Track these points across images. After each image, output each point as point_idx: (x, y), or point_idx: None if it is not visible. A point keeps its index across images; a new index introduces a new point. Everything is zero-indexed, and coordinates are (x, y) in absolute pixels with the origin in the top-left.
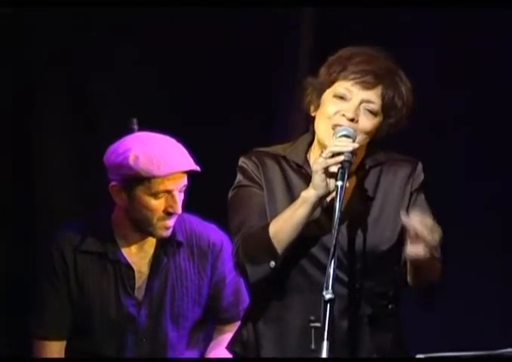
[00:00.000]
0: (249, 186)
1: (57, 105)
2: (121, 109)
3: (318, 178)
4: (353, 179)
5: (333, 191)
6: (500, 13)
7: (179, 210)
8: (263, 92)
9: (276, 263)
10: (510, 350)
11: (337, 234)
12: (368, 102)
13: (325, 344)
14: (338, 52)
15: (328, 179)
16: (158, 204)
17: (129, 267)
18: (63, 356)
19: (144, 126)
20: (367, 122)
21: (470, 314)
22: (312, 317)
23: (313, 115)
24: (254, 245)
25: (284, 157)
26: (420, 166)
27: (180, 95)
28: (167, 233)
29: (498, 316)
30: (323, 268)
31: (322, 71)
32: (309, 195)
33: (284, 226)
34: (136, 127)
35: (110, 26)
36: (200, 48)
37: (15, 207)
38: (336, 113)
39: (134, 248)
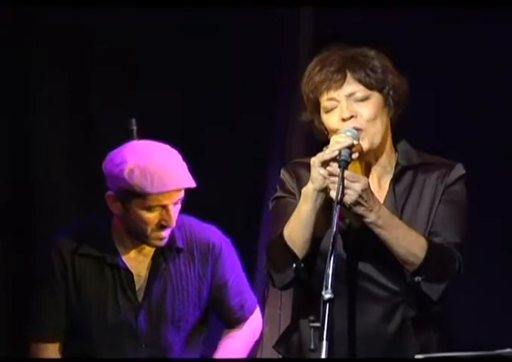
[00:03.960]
0: (285, 197)
1: (57, 105)
2: (122, 109)
3: (315, 171)
4: (389, 177)
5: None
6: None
7: (173, 223)
8: (262, 93)
9: (297, 265)
10: (508, 350)
11: (336, 232)
12: (352, 94)
13: (324, 344)
14: (303, 76)
15: (325, 173)
16: (152, 217)
17: (128, 271)
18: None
19: (143, 126)
20: (365, 110)
21: (469, 313)
22: (311, 317)
23: (330, 138)
24: (274, 252)
25: None
26: (459, 165)
27: (179, 95)
28: (161, 243)
29: (496, 316)
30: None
31: (304, 100)
32: (308, 190)
33: (294, 226)
34: (135, 127)
35: (109, 26)
36: (198, 50)
37: (14, 208)
38: (338, 123)
39: (132, 252)
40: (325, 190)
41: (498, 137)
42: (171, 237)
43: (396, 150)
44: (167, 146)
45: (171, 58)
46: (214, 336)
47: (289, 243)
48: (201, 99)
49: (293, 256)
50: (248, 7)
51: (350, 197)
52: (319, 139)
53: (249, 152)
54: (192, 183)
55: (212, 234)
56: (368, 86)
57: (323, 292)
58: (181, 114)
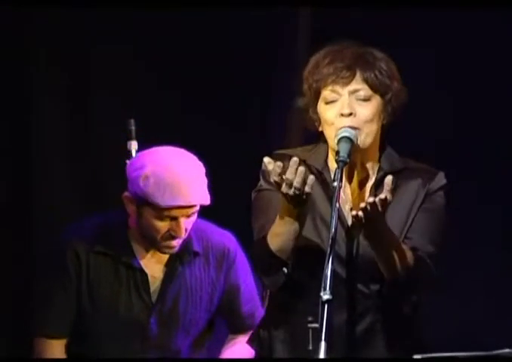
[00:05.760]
0: (269, 190)
1: (57, 105)
2: (122, 109)
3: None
4: (370, 182)
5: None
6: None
7: (183, 234)
8: (259, 92)
9: (287, 268)
10: (507, 350)
11: (335, 234)
12: (356, 91)
13: (322, 344)
14: (308, 63)
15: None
16: (162, 226)
17: (142, 271)
18: (64, 356)
19: (142, 127)
20: (365, 110)
21: (467, 314)
22: (309, 318)
23: (321, 130)
24: (260, 257)
25: (304, 162)
26: (441, 174)
27: (179, 95)
28: (171, 251)
29: (495, 316)
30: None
31: (304, 87)
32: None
33: (279, 234)
34: (133, 127)
35: (107, 26)
36: (197, 49)
37: (16, 204)
38: (335, 117)
39: (148, 253)
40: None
41: (498, 137)
42: (188, 240)
43: (380, 155)
44: (193, 157)
45: (170, 58)
46: (216, 342)
47: (275, 250)
48: (198, 99)
49: (280, 261)
50: (246, 6)
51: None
52: (310, 129)
53: (248, 152)
54: (205, 201)
55: (228, 240)
56: (373, 87)
57: (321, 293)
58: (180, 114)
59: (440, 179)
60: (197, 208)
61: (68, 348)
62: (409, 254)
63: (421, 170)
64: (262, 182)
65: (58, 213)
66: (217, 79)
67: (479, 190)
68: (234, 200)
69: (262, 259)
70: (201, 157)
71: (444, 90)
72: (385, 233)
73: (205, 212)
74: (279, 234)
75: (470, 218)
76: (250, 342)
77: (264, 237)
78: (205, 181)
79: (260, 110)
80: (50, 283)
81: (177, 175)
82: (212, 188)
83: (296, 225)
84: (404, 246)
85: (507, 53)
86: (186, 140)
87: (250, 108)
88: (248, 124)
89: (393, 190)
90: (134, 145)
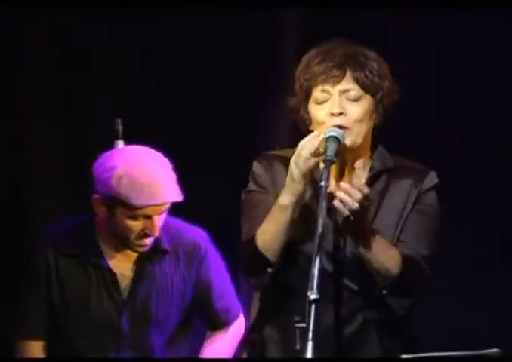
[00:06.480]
0: (257, 192)
1: (46, 104)
2: (110, 109)
3: (295, 185)
4: (362, 181)
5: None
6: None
7: (157, 232)
8: (250, 93)
9: (273, 269)
10: (494, 350)
11: (322, 232)
12: (346, 91)
13: (309, 344)
14: (300, 63)
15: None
16: (136, 226)
17: (111, 271)
18: (42, 356)
19: (130, 127)
20: (355, 110)
21: (456, 313)
22: (296, 318)
23: (311, 129)
24: (247, 256)
25: None
26: (433, 173)
27: (167, 96)
28: (143, 249)
29: (483, 316)
30: (325, 273)
31: (296, 87)
32: (287, 202)
33: (269, 235)
34: (120, 127)
35: (95, 25)
36: (192, 50)
37: (2, 208)
38: (325, 116)
39: (116, 253)
40: (302, 196)
41: (497, 137)
42: (157, 238)
43: (371, 155)
44: (159, 155)
45: (162, 58)
46: (202, 338)
47: (263, 250)
48: (186, 100)
49: (267, 261)
50: (241, 6)
51: (353, 205)
52: (301, 128)
53: (238, 151)
54: (179, 197)
55: (198, 235)
56: (364, 87)
57: (309, 293)
58: (167, 115)
59: (432, 179)
60: (168, 205)
61: (47, 349)
62: (399, 258)
63: (412, 169)
64: (251, 183)
65: (47, 213)
66: (206, 81)
67: (475, 189)
68: (221, 201)
69: (248, 258)
70: (188, 157)
71: (441, 91)
72: (371, 234)
73: (191, 213)
74: (267, 230)
75: (463, 217)
76: (243, 345)
77: (253, 237)
78: (175, 178)
79: (249, 111)
80: (23, 285)
81: (150, 174)
82: (197, 188)
83: (286, 221)
84: (394, 250)
85: (507, 53)
86: (174, 140)
87: (238, 109)
88: (237, 125)
89: (385, 189)
90: (121, 145)
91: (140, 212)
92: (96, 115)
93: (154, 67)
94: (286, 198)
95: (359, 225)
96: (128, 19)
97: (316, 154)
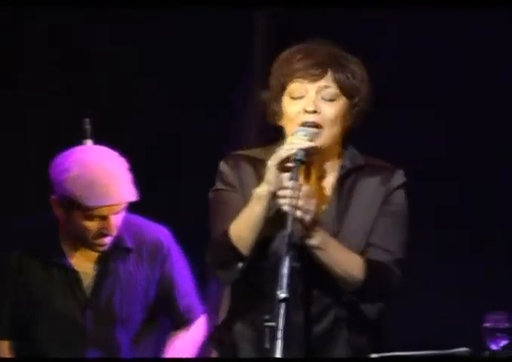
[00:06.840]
0: (225, 190)
1: (46, 104)
2: (77, 109)
3: (270, 174)
4: (332, 179)
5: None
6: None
7: (114, 231)
8: (222, 93)
9: (243, 264)
10: (462, 349)
11: (292, 232)
12: (323, 90)
13: (279, 343)
14: (280, 56)
15: (281, 175)
16: (92, 226)
17: (73, 270)
18: (10, 355)
19: (98, 126)
20: (329, 109)
21: (424, 312)
22: (266, 316)
23: (280, 124)
24: (218, 251)
25: (262, 161)
26: (400, 172)
27: (136, 95)
28: (102, 249)
29: (452, 315)
30: (295, 272)
31: (271, 80)
32: (262, 191)
33: (243, 226)
34: (88, 126)
35: (95, 25)
36: (168, 49)
37: None
38: (298, 112)
39: (78, 252)
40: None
41: (497, 137)
42: (119, 237)
43: (342, 154)
44: (115, 154)
45: (162, 58)
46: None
47: (236, 243)
48: (159, 99)
49: (239, 255)
50: (215, 7)
51: (307, 214)
52: (270, 122)
53: (209, 151)
54: (133, 197)
55: (161, 233)
56: (342, 88)
57: (278, 292)
58: (137, 113)
59: (399, 177)
60: (125, 205)
61: (14, 349)
62: (362, 264)
63: (380, 167)
64: (218, 182)
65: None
66: (179, 79)
67: (456, 189)
68: (187, 200)
69: (220, 252)
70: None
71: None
72: (332, 242)
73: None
74: (241, 223)
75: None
76: (211, 343)
77: (226, 231)
78: (130, 178)
79: (227, 110)
80: None
81: (104, 175)
82: (164, 187)
83: (262, 212)
84: (356, 257)
85: (507, 53)
86: (142, 139)
87: (217, 107)
88: (212, 124)
89: (354, 187)
90: (89, 144)
91: (95, 212)
92: (63, 114)
93: (154, 67)
94: (263, 189)
95: (314, 233)
96: (128, 19)
97: (280, 164)
